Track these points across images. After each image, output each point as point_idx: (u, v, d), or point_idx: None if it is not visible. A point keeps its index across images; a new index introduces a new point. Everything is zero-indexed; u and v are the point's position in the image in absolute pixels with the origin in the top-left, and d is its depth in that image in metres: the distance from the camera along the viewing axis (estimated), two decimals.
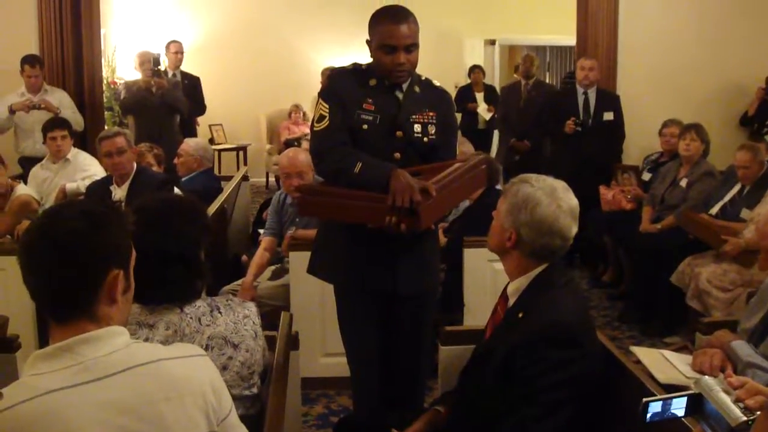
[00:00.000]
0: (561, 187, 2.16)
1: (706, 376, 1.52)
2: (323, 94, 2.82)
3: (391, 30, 2.68)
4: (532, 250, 2.13)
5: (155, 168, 5.10)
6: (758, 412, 1.41)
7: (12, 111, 6.01)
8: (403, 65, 2.71)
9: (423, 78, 2.90)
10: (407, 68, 2.74)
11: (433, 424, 2.33)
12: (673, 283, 4.71)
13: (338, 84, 2.82)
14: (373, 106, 2.76)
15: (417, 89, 2.84)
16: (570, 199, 2.13)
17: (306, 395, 3.84)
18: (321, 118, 2.75)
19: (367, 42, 2.79)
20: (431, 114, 2.83)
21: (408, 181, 2.51)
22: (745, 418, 1.41)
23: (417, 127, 2.79)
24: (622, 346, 4.40)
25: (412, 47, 2.72)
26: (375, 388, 2.97)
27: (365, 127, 2.74)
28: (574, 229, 2.13)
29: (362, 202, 2.61)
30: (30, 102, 5.97)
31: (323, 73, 7.68)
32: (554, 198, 2.11)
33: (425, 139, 2.80)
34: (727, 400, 1.44)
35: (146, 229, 1.90)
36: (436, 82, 2.95)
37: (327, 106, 2.75)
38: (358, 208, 2.63)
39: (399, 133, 2.77)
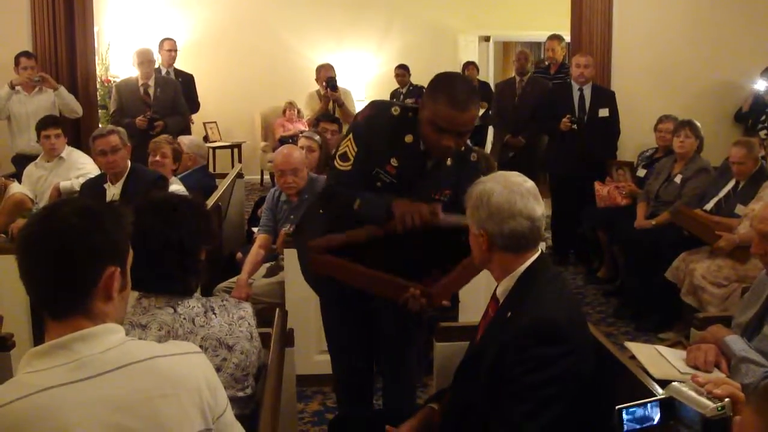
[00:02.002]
0: (513, 174, 2.16)
1: (675, 382, 1.56)
2: (356, 133, 2.63)
3: (448, 115, 2.45)
4: (503, 242, 2.11)
5: (168, 161, 4.94)
6: (727, 399, 1.46)
7: (12, 86, 6.05)
8: (449, 149, 2.54)
9: (463, 148, 2.68)
10: (452, 152, 2.58)
11: (427, 421, 2.32)
12: (668, 279, 4.72)
13: (373, 131, 2.61)
14: (396, 170, 2.60)
15: (449, 161, 2.67)
16: (524, 182, 2.13)
17: (301, 392, 3.84)
18: (345, 157, 2.60)
19: (420, 103, 2.57)
20: (447, 192, 2.68)
21: (411, 204, 2.44)
22: (714, 405, 1.46)
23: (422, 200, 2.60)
24: (616, 341, 4.41)
25: (466, 133, 2.56)
26: (356, 389, 2.97)
27: (379, 184, 2.62)
28: (539, 209, 2.11)
29: (382, 280, 2.49)
30: (30, 76, 6.03)
31: (318, 69, 7.66)
32: (506, 184, 2.10)
33: None
34: (696, 395, 1.50)
35: (149, 216, 1.91)
36: (474, 156, 2.77)
37: (356, 149, 2.59)
38: (378, 282, 2.51)
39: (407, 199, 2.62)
